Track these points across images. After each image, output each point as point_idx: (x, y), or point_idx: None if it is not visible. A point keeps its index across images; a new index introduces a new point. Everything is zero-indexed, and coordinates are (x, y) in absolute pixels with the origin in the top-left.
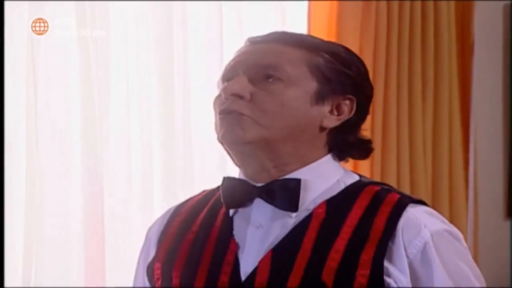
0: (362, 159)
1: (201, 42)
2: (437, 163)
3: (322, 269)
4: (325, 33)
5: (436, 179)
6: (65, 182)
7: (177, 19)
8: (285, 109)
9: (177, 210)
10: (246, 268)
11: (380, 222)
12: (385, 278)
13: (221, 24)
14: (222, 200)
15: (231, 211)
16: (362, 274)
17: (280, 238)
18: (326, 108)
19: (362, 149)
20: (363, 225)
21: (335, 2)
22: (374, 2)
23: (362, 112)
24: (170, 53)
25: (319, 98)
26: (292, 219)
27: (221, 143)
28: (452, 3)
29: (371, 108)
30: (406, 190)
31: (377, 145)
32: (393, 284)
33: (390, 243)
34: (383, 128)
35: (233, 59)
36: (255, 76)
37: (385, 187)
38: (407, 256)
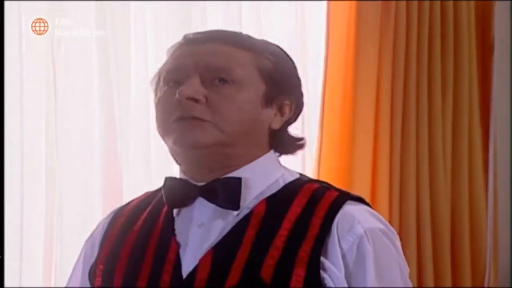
0: (293, 154)
1: None
2: (456, 164)
3: (261, 266)
4: (344, 33)
5: (455, 179)
6: (85, 179)
7: (196, 20)
8: (241, 113)
9: (120, 211)
10: (187, 267)
11: (317, 219)
12: (321, 272)
13: (240, 24)
14: (164, 200)
15: (175, 211)
16: (299, 270)
17: (221, 236)
18: (273, 110)
19: (297, 146)
20: (301, 222)
21: (354, 2)
22: (393, 2)
23: (298, 110)
24: None
25: (268, 100)
26: (233, 218)
27: (172, 145)
28: (472, 3)
29: (390, 110)
30: (425, 191)
31: (396, 146)
32: (328, 279)
33: (326, 239)
34: (402, 129)
35: (178, 59)
36: (207, 78)
37: (324, 185)
38: (341, 250)
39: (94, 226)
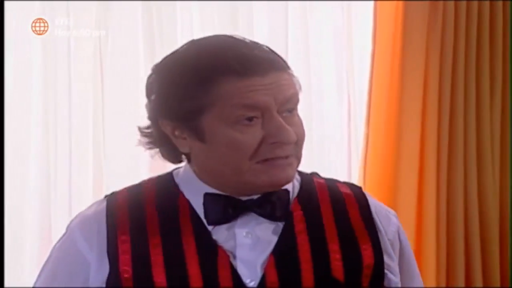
0: None
1: (266, 40)
2: (505, 164)
3: (329, 266)
4: (391, 33)
5: (504, 180)
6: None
7: (243, 18)
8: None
9: (111, 215)
10: (247, 279)
11: (355, 215)
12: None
13: (286, 22)
14: (206, 216)
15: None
16: (368, 265)
17: (273, 243)
18: None
19: None
20: (341, 220)
21: (401, 2)
22: (441, 2)
23: None
24: None
25: None
26: (276, 224)
27: (257, 185)
28: None
29: (438, 107)
30: (473, 193)
31: (443, 142)
32: (388, 273)
33: (378, 235)
34: (449, 129)
35: (250, 94)
36: (280, 111)
37: (323, 177)
38: (389, 241)
39: None
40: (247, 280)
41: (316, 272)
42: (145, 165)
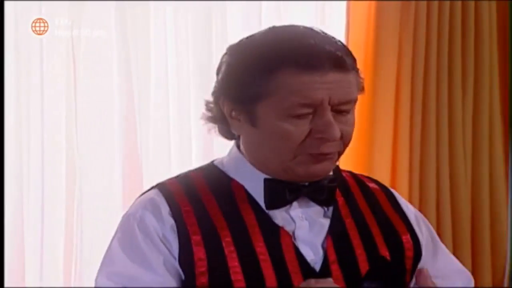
0: None
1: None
2: (477, 157)
3: (377, 247)
4: (364, 33)
5: (476, 172)
6: (105, 173)
7: (216, 18)
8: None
9: (172, 203)
10: (310, 258)
11: (386, 205)
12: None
13: (260, 24)
14: (266, 201)
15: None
16: (408, 247)
17: (326, 225)
18: None
19: None
20: (375, 207)
21: (373, 2)
22: (413, 2)
23: None
24: (209, 45)
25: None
26: (325, 210)
27: (297, 175)
28: None
29: (410, 102)
30: (445, 185)
31: (416, 141)
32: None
33: (409, 219)
34: (422, 127)
35: (305, 91)
36: (335, 109)
37: (347, 170)
38: (415, 218)
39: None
40: (310, 259)
41: (368, 251)
42: (119, 164)
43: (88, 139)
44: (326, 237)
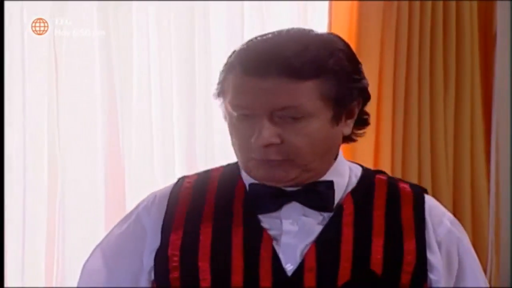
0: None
1: (223, 39)
2: (458, 155)
3: (368, 260)
4: (346, 32)
5: (457, 171)
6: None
7: (199, 19)
8: (315, 143)
9: (173, 197)
10: (287, 263)
11: (407, 212)
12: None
13: (242, 24)
14: (252, 206)
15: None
16: (408, 262)
17: (317, 232)
18: (343, 121)
19: (363, 125)
20: (391, 216)
21: (355, 2)
22: (395, 2)
23: (366, 98)
24: (192, 45)
25: (338, 119)
26: (323, 216)
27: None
28: None
29: (392, 102)
30: (428, 183)
31: (398, 138)
32: (431, 274)
33: (425, 233)
34: (404, 126)
35: (241, 95)
36: (277, 115)
37: (387, 175)
38: (436, 240)
39: (96, 221)
40: (286, 264)
41: (355, 263)
42: (101, 165)
43: (70, 139)
44: (310, 244)
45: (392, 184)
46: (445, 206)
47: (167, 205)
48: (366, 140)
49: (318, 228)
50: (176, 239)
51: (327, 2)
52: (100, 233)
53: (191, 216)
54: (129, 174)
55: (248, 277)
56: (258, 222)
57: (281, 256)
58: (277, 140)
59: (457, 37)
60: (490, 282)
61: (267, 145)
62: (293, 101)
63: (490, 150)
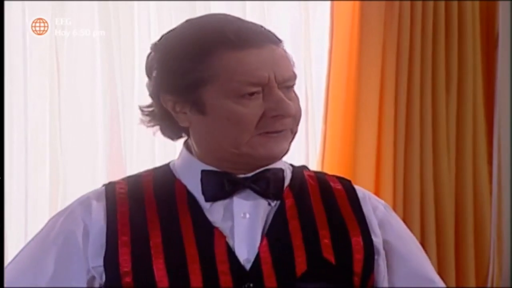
0: None
1: None
2: (460, 156)
3: (320, 249)
4: (348, 32)
5: (459, 172)
6: (89, 174)
7: (201, 14)
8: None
9: (111, 202)
10: (242, 256)
11: (345, 205)
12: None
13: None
14: (203, 192)
15: (207, 203)
16: (358, 249)
17: (267, 225)
18: None
19: None
20: (331, 210)
21: (357, 2)
22: (397, 2)
23: None
24: None
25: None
26: (270, 207)
27: (253, 156)
28: None
29: (394, 103)
30: (430, 184)
31: (400, 140)
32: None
33: (366, 220)
34: (406, 124)
35: (250, 69)
36: (280, 86)
37: (313, 170)
38: (378, 223)
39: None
40: (243, 259)
41: (308, 253)
42: (103, 165)
43: (71, 139)
44: (262, 237)
45: (321, 178)
46: (448, 209)
47: (107, 210)
48: (368, 141)
49: (268, 220)
50: (124, 244)
51: (329, 2)
52: None
53: (135, 222)
54: (130, 174)
55: (207, 278)
56: (207, 219)
57: (237, 251)
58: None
59: (459, 38)
60: (492, 283)
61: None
62: (291, 68)
63: (492, 151)
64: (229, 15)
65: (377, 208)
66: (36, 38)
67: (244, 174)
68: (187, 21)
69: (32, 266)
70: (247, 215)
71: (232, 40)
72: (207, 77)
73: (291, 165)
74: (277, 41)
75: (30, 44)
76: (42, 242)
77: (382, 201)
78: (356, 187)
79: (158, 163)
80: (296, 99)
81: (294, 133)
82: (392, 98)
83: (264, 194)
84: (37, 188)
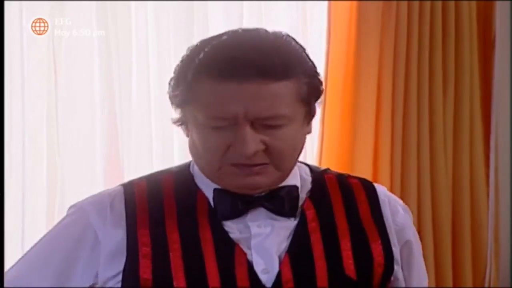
0: None
1: None
2: (457, 158)
3: (342, 265)
4: (345, 32)
5: (456, 174)
6: (87, 176)
7: (198, 18)
8: (296, 148)
9: (130, 203)
10: (263, 275)
11: (365, 210)
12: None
13: (241, 24)
14: (219, 213)
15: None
16: (379, 264)
17: (287, 240)
18: (309, 121)
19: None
20: (352, 215)
21: (354, 2)
22: (394, 2)
23: (321, 93)
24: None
25: (308, 119)
26: (289, 221)
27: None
28: None
29: (391, 104)
30: (427, 186)
31: (397, 141)
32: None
33: (387, 229)
34: (403, 125)
35: (219, 104)
36: (258, 124)
37: (336, 172)
38: (395, 226)
39: None
40: (263, 276)
41: (330, 270)
42: (100, 166)
43: (69, 140)
44: (284, 254)
45: (342, 181)
46: (445, 210)
47: (126, 217)
48: (365, 143)
49: (287, 236)
50: (144, 256)
51: (326, 3)
52: None
53: (156, 232)
54: (128, 175)
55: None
56: (227, 233)
57: (257, 268)
58: (262, 147)
59: (456, 38)
60: (489, 283)
61: (256, 153)
62: (275, 109)
63: (489, 153)
64: (249, 37)
65: (398, 213)
66: (33, 38)
67: (259, 193)
68: (211, 37)
69: (38, 265)
70: (267, 230)
71: (217, 70)
72: (189, 99)
73: (311, 169)
74: (277, 76)
75: (27, 44)
76: (50, 242)
77: (401, 202)
78: (379, 188)
79: (156, 165)
80: (283, 137)
81: (279, 167)
82: (389, 99)
83: (279, 213)
84: (35, 188)
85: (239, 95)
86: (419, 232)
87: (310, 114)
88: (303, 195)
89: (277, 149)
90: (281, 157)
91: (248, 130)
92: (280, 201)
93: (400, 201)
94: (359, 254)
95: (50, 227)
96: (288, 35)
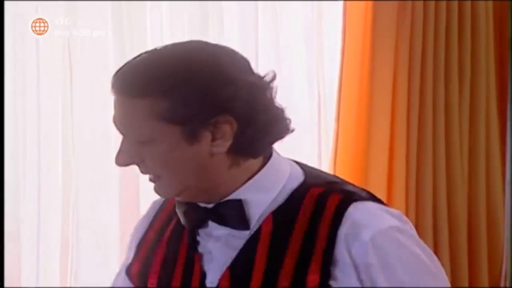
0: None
1: (236, 40)
2: (473, 158)
3: (276, 285)
4: (361, 31)
5: (472, 174)
6: (101, 177)
7: (213, 19)
8: (170, 165)
9: (157, 215)
10: (211, 279)
11: (323, 230)
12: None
13: (256, 24)
14: (182, 223)
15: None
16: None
17: (234, 254)
18: (205, 139)
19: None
20: (309, 235)
21: (370, 1)
22: (410, 2)
23: (248, 111)
24: None
25: (191, 139)
26: (245, 234)
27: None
28: None
29: (407, 103)
30: (443, 182)
31: (412, 140)
32: (334, 285)
33: (334, 251)
34: (419, 124)
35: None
36: (132, 139)
37: (330, 186)
38: (351, 259)
39: (109, 223)
40: (210, 286)
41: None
42: (116, 168)
43: (84, 140)
44: (225, 270)
45: (322, 199)
46: (461, 210)
47: (147, 226)
48: (381, 142)
49: (238, 247)
50: (140, 256)
51: (341, 2)
52: (114, 237)
53: (156, 238)
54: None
55: None
56: (195, 240)
57: (208, 275)
58: (136, 160)
59: (472, 38)
60: (504, 283)
61: (128, 164)
62: (129, 126)
63: (505, 151)
64: (145, 56)
65: (354, 247)
66: (49, 39)
67: (206, 204)
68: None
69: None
70: (220, 240)
71: (112, 83)
72: None
73: (306, 180)
74: (132, 94)
75: (43, 45)
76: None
77: (388, 223)
78: (355, 208)
79: None
80: (156, 156)
81: (175, 184)
82: (404, 98)
83: (227, 225)
84: (50, 188)
85: (115, 109)
86: (434, 230)
87: (196, 133)
88: (269, 210)
89: (149, 165)
90: (158, 174)
91: (124, 142)
92: (221, 215)
93: (376, 228)
94: (295, 279)
95: (65, 226)
96: (199, 59)
